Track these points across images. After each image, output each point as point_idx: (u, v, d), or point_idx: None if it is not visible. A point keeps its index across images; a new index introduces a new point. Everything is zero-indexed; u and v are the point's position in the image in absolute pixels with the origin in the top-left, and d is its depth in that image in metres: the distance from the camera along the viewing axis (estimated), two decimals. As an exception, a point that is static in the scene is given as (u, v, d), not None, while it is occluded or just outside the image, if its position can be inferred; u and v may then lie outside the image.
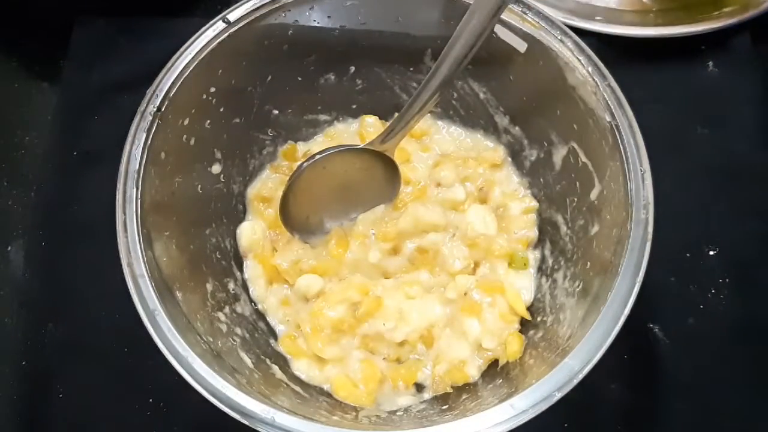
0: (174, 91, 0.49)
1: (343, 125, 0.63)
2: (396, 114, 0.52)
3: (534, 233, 0.58)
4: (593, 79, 0.48)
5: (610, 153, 0.48)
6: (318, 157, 0.53)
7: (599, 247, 0.50)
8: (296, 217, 0.56)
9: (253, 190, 0.60)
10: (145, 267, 0.44)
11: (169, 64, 0.49)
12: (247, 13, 0.51)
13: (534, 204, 0.59)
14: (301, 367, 0.54)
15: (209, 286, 0.53)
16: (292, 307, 0.56)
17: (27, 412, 0.55)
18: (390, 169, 0.55)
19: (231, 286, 0.56)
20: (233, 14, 0.51)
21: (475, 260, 0.56)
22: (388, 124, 0.60)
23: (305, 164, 0.53)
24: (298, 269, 0.56)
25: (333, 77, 0.59)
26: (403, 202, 0.57)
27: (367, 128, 0.61)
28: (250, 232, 0.58)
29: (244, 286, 0.57)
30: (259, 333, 0.55)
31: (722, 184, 0.63)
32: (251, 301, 0.57)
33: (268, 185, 0.60)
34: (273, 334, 0.56)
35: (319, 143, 0.63)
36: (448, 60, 0.47)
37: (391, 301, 0.54)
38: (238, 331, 0.52)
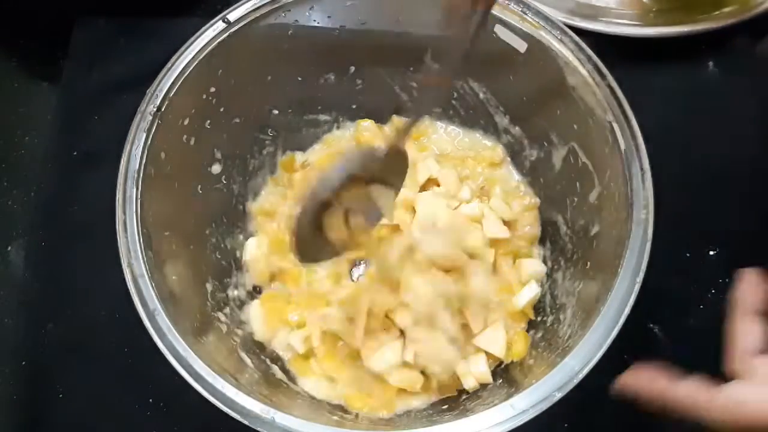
0: (174, 91, 0.49)
1: (340, 131, 0.63)
2: (394, 115, 0.52)
3: (537, 230, 0.58)
4: (593, 79, 0.48)
5: (610, 153, 0.48)
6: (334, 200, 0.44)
7: (599, 247, 0.50)
8: (311, 253, 0.47)
9: (255, 205, 0.60)
10: (145, 267, 0.44)
11: (169, 64, 0.49)
12: (247, 13, 0.51)
13: (536, 201, 0.59)
14: (309, 385, 0.53)
15: (209, 286, 0.53)
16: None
17: (27, 412, 0.55)
18: (395, 169, 0.51)
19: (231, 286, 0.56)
20: (233, 14, 0.51)
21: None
22: (384, 127, 0.60)
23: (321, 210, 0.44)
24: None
25: (333, 77, 0.59)
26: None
27: (363, 132, 0.61)
28: (255, 250, 0.58)
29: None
30: (259, 333, 0.55)
31: (722, 184, 0.63)
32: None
33: (270, 200, 0.60)
34: (273, 334, 0.56)
35: (317, 152, 0.63)
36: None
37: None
38: (239, 331, 0.52)
